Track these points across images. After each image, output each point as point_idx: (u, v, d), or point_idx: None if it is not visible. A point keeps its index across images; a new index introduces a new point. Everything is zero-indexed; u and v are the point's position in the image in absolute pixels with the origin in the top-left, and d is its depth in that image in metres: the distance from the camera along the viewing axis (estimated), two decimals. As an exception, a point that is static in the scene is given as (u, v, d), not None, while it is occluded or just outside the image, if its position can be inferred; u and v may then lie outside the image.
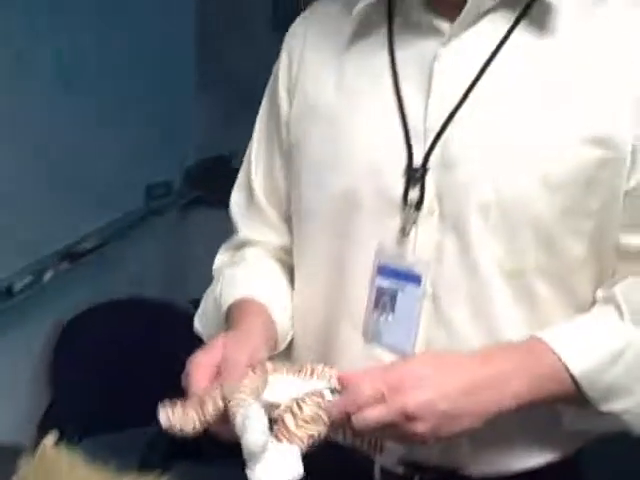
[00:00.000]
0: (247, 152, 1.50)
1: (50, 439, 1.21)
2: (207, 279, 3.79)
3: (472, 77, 1.20)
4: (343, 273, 1.26)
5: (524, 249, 1.17)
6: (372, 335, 1.23)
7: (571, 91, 1.17)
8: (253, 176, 1.46)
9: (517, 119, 1.17)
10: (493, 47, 1.20)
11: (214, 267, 1.50)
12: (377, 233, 1.23)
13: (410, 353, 1.20)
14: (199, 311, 1.46)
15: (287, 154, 1.38)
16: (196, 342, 2.94)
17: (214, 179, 4.22)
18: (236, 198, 1.51)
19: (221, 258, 1.50)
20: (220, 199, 4.14)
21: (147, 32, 3.43)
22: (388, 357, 1.22)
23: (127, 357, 2.88)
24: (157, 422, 2.54)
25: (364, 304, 1.24)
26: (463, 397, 1.08)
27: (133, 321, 3.02)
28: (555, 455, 1.26)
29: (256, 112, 4.50)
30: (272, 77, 1.45)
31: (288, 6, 4.51)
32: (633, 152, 1.17)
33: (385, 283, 1.22)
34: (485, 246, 1.17)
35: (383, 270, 1.22)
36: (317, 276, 1.31)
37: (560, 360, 1.12)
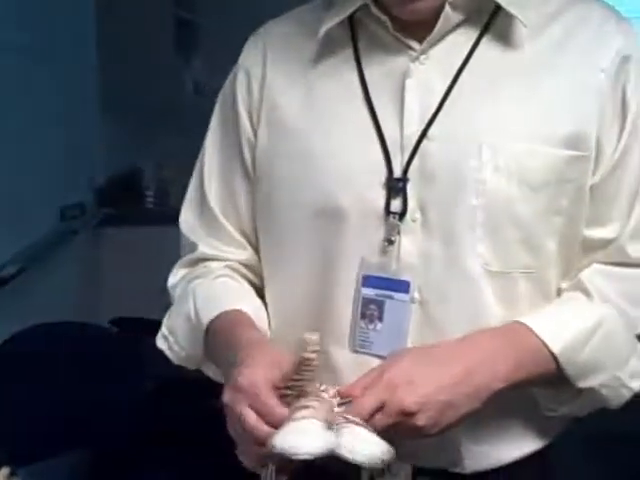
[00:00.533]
0: (197, 168, 1.47)
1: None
2: (123, 297, 3.83)
3: (443, 90, 1.24)
4: (327, 288, 1.27)
5: (510, 250, 1.22)
6: (360, 345, 1.25)
7: (538, 97, 1.23)
8: (208, 193, 1.43)
9: (490, 127, 1.22)
10: (461, 61, 1.25)
11: (169, 285, 1.47)
12: (360, 245, 1.25)
13: None
14: (163, 331, 1.41)
15: (251, 173, 1.37)
16: (119, 361, 3.00)
17: (124, 197, 4.22)
18: (187, 216, 1.47)
19: (177, 275, 1.47)
20: (131, 216, 4.19)
21: (51, 52, 3.42)
22: (374, 364, 1.22)
23: (52, 379, 2.88)
24: (82, 445, 2.51)
25: (349, 317, 1.26)
26: (458, 385, 1.13)
27: (56, 344, 3.01)
28: (536, 444, 1.31)
29: (160, 129, 4.50)
30: (225, 96, 1.43)
31: (190, 27, 4.55)
32: (597, 150, 1.24)
33: (371, 293, 1.24)
34: (472, 250, 1.21)
35: (368, 280, 1.24)
36: (298, 293, 1.31)
37: (540, 340, 1.19)
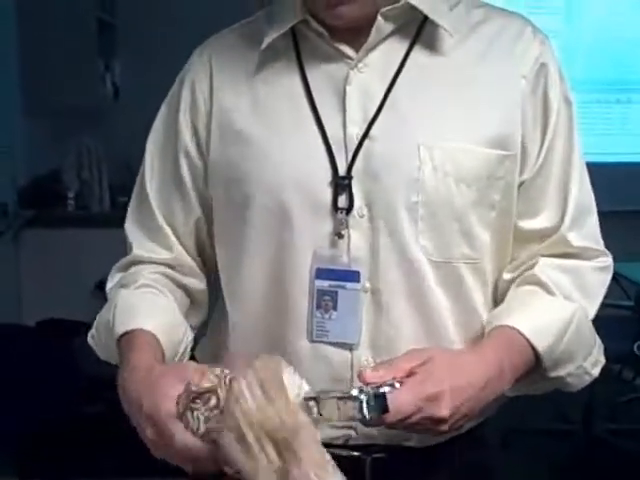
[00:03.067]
0: (141, 169, 1.47)
1: None
2: (44, 299, 3.80)
3: (382, 95, 1.31)
4: (283, 282, 1.32)
5: (450, 241, 1.30)
6: (317, 334, 1.31)
7: (466, 102, 1.31)
8: (149, 194, 1.44)
9: (426, 128, 1.29)
10: (396, 67, 1.32)
11: (107, 289, 1.46)
12: (312, 240, 1.30)
13: (356, 344, 1.30)
14: (92, 330, 1.43)
15: (186, 182, 1.41)
16: (47, 362, 2.98)
17: (46, 199, 4.19)
18: (129, 216, 1.48)
19: (113, 280, 1.47)
20: (53, 218, 4.17)
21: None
22: (334, 352, 1.30)
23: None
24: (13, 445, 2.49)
25: (306, 309, 1.31)
26: (479, 397, 1.21)
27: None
28: (476, 420, 1.36)
29: (81, 132, 4.46)
30: (170, 106, 1.44)
31: (111, 31, 4.53)
32: (523, 149, 1.33)
33: (325, 284, 1.30)
34: (415, 242, 1.29)
35: (321, 273, 1.30)
36: (256, 291, 1.36)
37: (529, 342, 1.27)
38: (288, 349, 1.32)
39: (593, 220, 1.40)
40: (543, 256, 1.37)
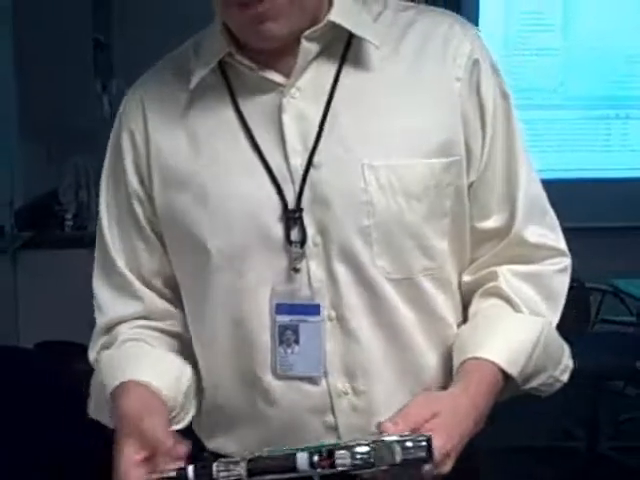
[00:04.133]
0: (98, 225, 1.43)
1: None
2: (41, 321, 3.78)
3: (318, 119, 1.27)
4: (245, 321, 1.30)
5: (407, 257, 1.28)
6: (281, 369, 1.29)
7: (404, 114, 1.28)
8: (110, 248, 1.39)
9: (369, 148, 1.26)
10: (328, 89, 1.28)
11: (90, 359, 1.41)
12: (268, 276, 1.28)
13: (320, 376, 1.28)
14: (91, 404, 1.39)
15: (145, 226, 1.37)
16: (43, 384, 2.96)
17: (43, 220, 4.18)
18: (98, 281, 1.43)
19: (94, 348, 1.41)
20: (50, 239, 4.15)
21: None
22: (305, 385, 1.29)
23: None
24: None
25: (269, 344, 1.29)
26: (470, 434, 1.22)
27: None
28: None
29: (78, 153, 4.46)
30: (112, 151, 1.40)
31: (107, 51, 4.54)
32: (467, 151, 1.31)
33: (285, 319, 1.28)
34: (372, 264, 1.27)
35: (281, 308, 1.28)
36: (220, 334, 1.33)
37: (503, 371, 1.27)
38: (260, 386, 1.30)
39: (548, 217, 1.38)
40: (503, 262, 1.35)
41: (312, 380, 1.29)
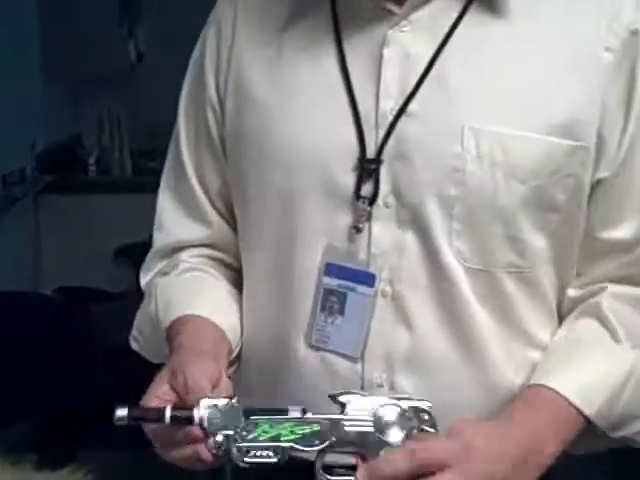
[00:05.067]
0: (174, 134, 1.29)
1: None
2: (63, 265, 3.78)
3: (425, 62, 1.09)
4: (289, 277, 1.14)
5: (491, 246, 1.09)
6: (316, 339, 1.13)
7: (532, 77, 1.09)
8: (185, 161, 1.26)
9: (475, 107, 1.08)
10: (446, 29, 1.09)
11: (143, 284, 1.29)
12: (325, 231, 1.12)
13: (356, 357, 1.11)
14: (134, 332, 1.28)
15: (217, 144, 1.23)
16: (64, 330, 2.97)
17: (66, 164, 4.16)
18: (165, 196, 1.29)
19: (149, 271, 1.29)
20: (74, 183, 4.15)
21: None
22: (338, 364, 1.12)
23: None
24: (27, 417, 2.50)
25: (309, 308, 1.13)
26: (514, 470, 1.00)
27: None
28: None
29: (102, 95, 4.43)
30: (196, 53, 1.26)
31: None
32: (599, 140, 1.09)
33: (333, 283, 1.11)
34: (448, 244, 1.08)
35: (331, 270, 1.11)
36: (263, 282, 1.18)
37: (576, 409, 1.06)
38: (288, 353, 1.15)
39: None
40: (619, 281, 1.14)
41: (346, 360, 1.12)
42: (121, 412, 0.98)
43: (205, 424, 0.96)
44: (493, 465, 0.98)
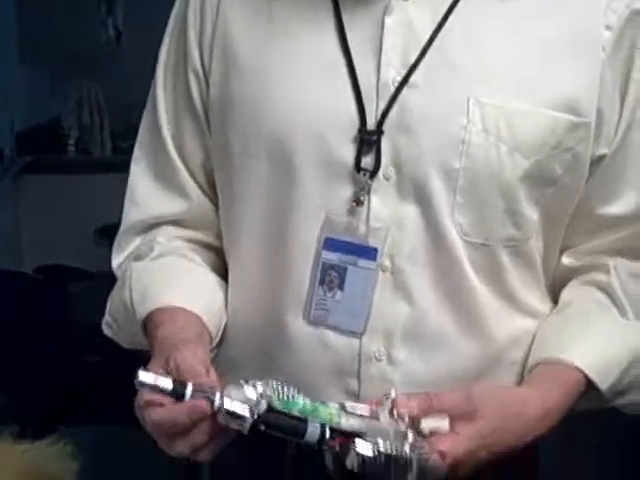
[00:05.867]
0: (149, 102, 1.23)
1: None
2: (43, 246, 3.78)
3: (429, 32, 1.06)
4: (284, 251, 1.11)
5: (493, 221, 1.08)
6: (315, 315, 1.10)
7: (537, 51, 1.08)
8: (163, 131, 1.20)
9: (481, 80, 1.06)
10: (449, 2, 1.07)
11: (114, 265, 1.24)
12: (323, 203, 1.09)
13: (360, 333, 1.09)
14: (107, 318, 1.23)
15: (199, 112, 1.18)
16: (45, 308, 2.99)
17: (45, 144, 4.15)
18: (139, 167, 1.23)
19: (121, 251, 1.24)
20: (54, 163, 4.14)
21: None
22: (335, 339, 1.10)
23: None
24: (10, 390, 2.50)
25: (307, 283, 1.10)
26: (518, 444, 1.03)
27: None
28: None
29: (81, 75, 4.42)
30: (177, 18, 1.20)
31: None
32: (599, 117, 1.09)
33: (333, 258, 1.09)
34: (450, 217, 1.07)
35: (331, 244, 1.09)
36: (254, 258, 1.15)
37: (591, 382, 1.07)
38: (283, 329, 1.12)
39: None
40: (617, 254, 1.16)
41: (345, 336, 1.10)
42: (144, 377, 0.94)
43: (227, 395, 0.93)
44: (503, 422, 1.00)
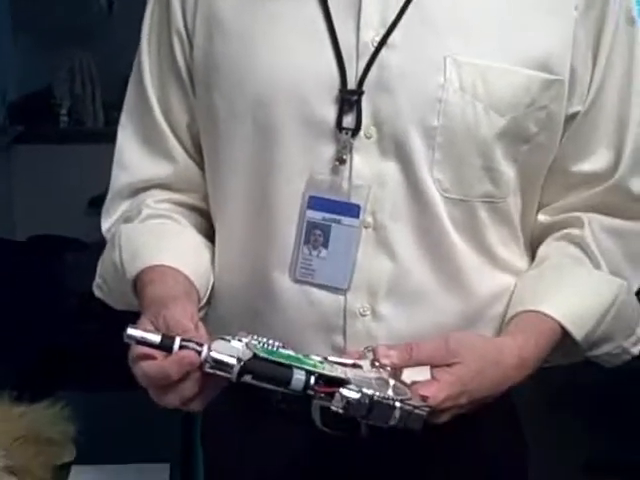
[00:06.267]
0: (135, 67, 1.24)
1: None
2: (36, 216, 3.79)
3: None
4: (269, 211, 1.13)
5: (470, 177, 1.10)
6: (301, 273, 1.12)
7: (511, 10, 1.09)
8: (149, 95, 1.21)
9: (458, 39, 1.08)
10: None
11: (105, 228, 1.26)
12: (306, 163, 1.10)
13: (344, 289, 1.11)
14: (97, 280, 1.25)
15: (184, 76, 1.19)
16: (40, 276, 3.00)
17: (37, 114, 4.14)
18: (126, 131, 1.24)
19: (110, 215, 1.26)
20: (44, 134, 4.14)
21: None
22: (324, 297, 1.12)
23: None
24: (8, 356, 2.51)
25: (292, 241, 1.12)
26: (497, 391, 1.07)
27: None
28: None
29: (73, 45, 4.41)
30: None
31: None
32: (572, 75, 1.11)
33: (317, 216, 1.11)
34: (429, 174, 1.09)
35: (315, 202, 1.10)
36: (240, 219, 1.16)
37: (567, 332, 1.11)
38: (269, 287, 1.13)
39: None
40: (591, 210, 1.18)
41: (329, 292, 1.12)
42: (132, 331, 0.96)
43: (214, 346, 0.95)
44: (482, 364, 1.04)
